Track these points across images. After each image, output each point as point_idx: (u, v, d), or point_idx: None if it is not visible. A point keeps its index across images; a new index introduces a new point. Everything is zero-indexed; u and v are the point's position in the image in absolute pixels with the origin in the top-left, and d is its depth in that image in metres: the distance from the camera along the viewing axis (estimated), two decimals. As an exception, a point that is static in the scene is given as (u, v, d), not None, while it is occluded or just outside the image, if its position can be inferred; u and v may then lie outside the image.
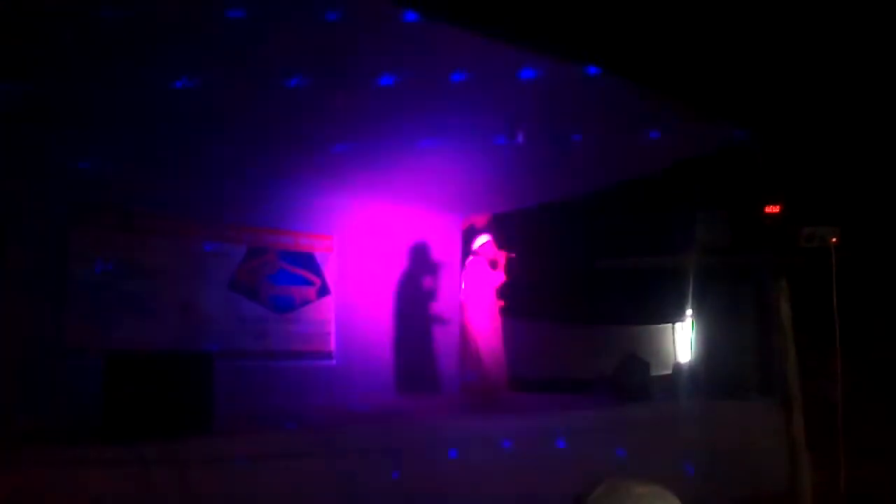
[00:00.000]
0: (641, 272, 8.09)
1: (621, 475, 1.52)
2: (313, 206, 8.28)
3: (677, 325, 9.64)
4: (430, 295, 9.37)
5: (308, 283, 8.24)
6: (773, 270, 4.94)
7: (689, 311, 8.76)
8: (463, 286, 7.40)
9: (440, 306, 9.34)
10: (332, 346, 8.30)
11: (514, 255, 7.34)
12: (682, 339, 9.24)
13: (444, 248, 9.59)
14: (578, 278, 8.34)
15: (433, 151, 6.86)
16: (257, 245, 7.87)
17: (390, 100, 5.52)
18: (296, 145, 6.66)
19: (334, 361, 8.28)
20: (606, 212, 8.43)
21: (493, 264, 7.30)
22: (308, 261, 8.27)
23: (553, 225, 7.74)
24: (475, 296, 7.24)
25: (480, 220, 9.81)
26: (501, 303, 7.37)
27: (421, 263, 9.24)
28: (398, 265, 8.97)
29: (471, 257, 7.43)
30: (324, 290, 8.34)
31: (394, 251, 8.93)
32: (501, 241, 7.56)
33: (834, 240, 5.07)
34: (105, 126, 6.03)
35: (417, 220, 9.23)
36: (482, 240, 7.46)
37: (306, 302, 8.18)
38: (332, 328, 8.33)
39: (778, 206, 5.69)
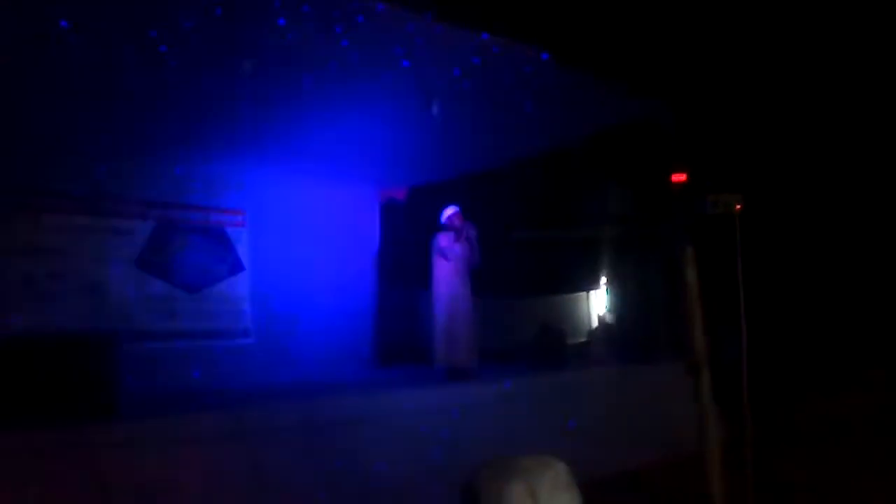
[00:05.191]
0: (555, 244, 8.20)
1: (505, 454, 1.52)
2: (223, 181, 8.04)
3: (591, 293, 9.85)
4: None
5: (219, 259, 8.01)
6: (678, 238, 5.05)
7: (602, 280, 8.98)
8: (433, 260, 6.99)
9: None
10: (248, 323, 8.12)
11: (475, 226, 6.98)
12: (596, 307, 9.48)
13: (362, 222, 9.50)
14: (495, 251, 8.34)
15: (348, 123, 6.73)
16: (165, 222, 7.60)
17: (303, 70, 5.38)
18: (204, 117, 6.42)
19: (252, 339, 8.12)
20: (520, 185, 8.47)
21: (460, 235, 6.91)
22: (219, 237, 8.04)
23: (468, 198, 7.70)
24: (444, 269, 6.90)
25: (398, 192, 9.74)
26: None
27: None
28: (317, 239, 8.82)
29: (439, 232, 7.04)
30: (236, 267, 8.13)
31: (311, 225, 8.77)
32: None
33: (738, 206, 5.19)
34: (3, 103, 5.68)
35: (334, 194, 9.08)
36: (449, 211, 7.05)
37: (218, 279, 7.97)
38: (248, 305, 8.14)
39: (684, 175, 5.80)
